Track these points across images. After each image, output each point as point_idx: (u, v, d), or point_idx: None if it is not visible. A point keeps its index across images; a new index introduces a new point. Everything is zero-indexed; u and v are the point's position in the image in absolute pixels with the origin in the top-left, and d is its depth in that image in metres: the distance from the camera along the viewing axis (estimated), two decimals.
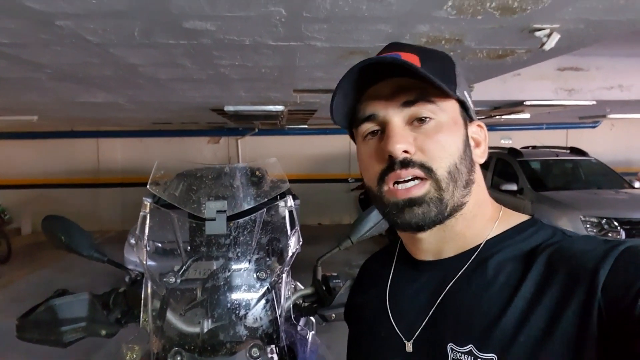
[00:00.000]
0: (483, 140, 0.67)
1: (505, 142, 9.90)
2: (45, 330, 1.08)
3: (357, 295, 0.82)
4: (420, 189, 0.59)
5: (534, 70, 4.70)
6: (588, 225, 4.88)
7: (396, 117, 0.60)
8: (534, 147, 7.76)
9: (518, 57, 2.94)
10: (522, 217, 0.66)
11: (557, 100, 5.25)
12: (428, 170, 0.59)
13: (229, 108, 5.35)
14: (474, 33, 2.40)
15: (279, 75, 3.56)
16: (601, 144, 9.95)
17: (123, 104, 5.10)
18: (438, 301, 0.63)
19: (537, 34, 2.31)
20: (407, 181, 0.59)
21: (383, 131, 0.61)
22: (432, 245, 0.65)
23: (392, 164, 0.59)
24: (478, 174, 0.65)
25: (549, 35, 2.31)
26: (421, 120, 0.60)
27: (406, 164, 0.58)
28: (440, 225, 0.61)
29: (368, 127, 0.63)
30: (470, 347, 0.56)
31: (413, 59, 0.60)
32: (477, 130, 0.67)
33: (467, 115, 0.65)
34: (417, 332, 0.63)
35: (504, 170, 6.59)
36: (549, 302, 0.53)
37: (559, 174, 6.71)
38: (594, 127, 10.31)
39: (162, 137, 9.65)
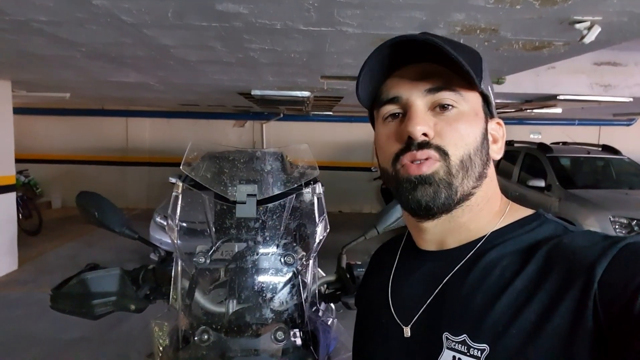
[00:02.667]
0: (501, 138, 0.68)
1: (535, 137, 9.67)
2: (77, 302, 1.11)
3: (365, 283, 0.86)
4: (430, 167, 0.60)
5: (570, 63, 4.56)
6: (617, 226, 4.74)
7: (419, 100, 0.61)
8: (564, 143, 7.54)
9: (555, 49, 2.85)
10: (527, 212, 0.65)
11: (592, 96, 5.08)
12: (443, 154, 0.60)
13: (256, 92, 5.37)
14: (511, 23, 2.34)
15: (308, 61, 3.55)
16: (635, 143, 9.61)
17: (153, 84, 5.17)
18: (436, 291, 0.64)
19: (577, 26, 2.24)
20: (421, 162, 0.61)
21: (404, 114, 0.63)
22: (436, 235, 0.66)
23: (409, 145, 0.61)
24: (491, 170, 0.66)
25: (589, 28, 2.23)
26: (443, 107, 0.61)
27: (423, 145, 0.60)
28: (446, 214, 0.63)
29: (390, 109, 0.64)
30: (464, 336, 0.57)
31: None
32: (495, 127, 0.68)
33: (488, 110, 0.66)
34: (414, 320, 0.65)
35: (532, 166, 6.42)
36: (544, 296, 0.52)
37: (590, 172, 6.51)
38: (628, 124, 9.96)
39: (189, 119, 9.78)
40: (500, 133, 0.68)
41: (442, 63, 0.60)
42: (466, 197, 0.62)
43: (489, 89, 0.65)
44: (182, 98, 7.15)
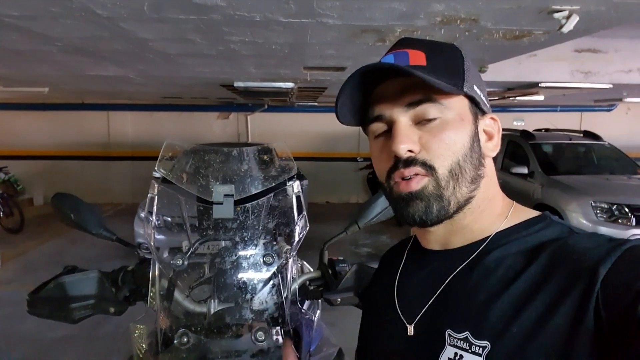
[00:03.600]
0: (496, 133, 0.68)
1: (518, 124, 9.77)
2: (55, 306, 1.10)
3: (375, 282, 0.87)
4: (418, 183, 0.61)
5: (551, 51, 4.58)
6: (598, 211, 4.83)
7: (402, 117, 0.62)
8: (546, 130, 7.65)
9: (535, 38, 2.86)
10: (533, 213, 0.66)
11: (573, 83, 5.14)
12: (429, 169, 0.61)
13: (238, 84, 5.31)
14: (490, 13, 2.34)
15: (290, 52, 3.51)
16: (616, 128, 9.78)
17: (133, 77, 5.08)
18: (440, 289, 0.64)
19: (556, 15, 2.25)
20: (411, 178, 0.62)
21: (390, 130, 0.63)
22: (439, 236, 0.67)
23: (397, 163, 0.62)
24: (489, 168, 0.66)
25: (567, 17, 2.24)
26: (427, 119, 0.61)
27: (409, 162, 0.61)
28: (447, 219, 0.63)
29: (377, 126, 0.66)
30: (466, 334, 0.57)
31: (419, 57, 0.62)
32: (490, 123, 0.67)
33: (477, 109, 0.65)
34: (418, 318, 0.65)
35: (515, 153, 6.51)
36: (546, 295, 0.53)
37: (571, 158, 6.61)
38: (609, 110, 10.11)
39: (172, 112, 9.65)
40: (495, 128, 0.67)
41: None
42: (465, 202, 0.62)
43: (475, 88, 0.64)
44: (163, 91, 7.05)
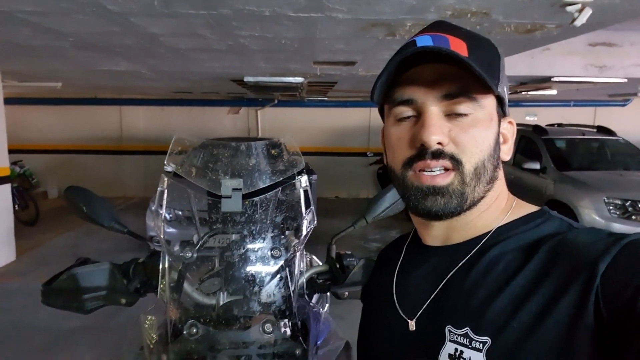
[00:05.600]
0: (511, 137, 0.67)
1: (531, 119, 9.66)
2: (68, 297, 1.12)
3: (373, 278, 0.87)
4: (445, 179, 0.60)
5: (564, 45, 4.53)
6: (611, 207, 4.76)
7: (434, 106, 0.60)
8: (559, 125, 7.54)
9: (547, 32, 2.83)
10: (532, 208, 0.66)
11: (587, 77, 5.07)
12: (457, 163, 0.59)
13: (248, 79, 5.33)
14: (502, 6, 2.31)
15: (299, 47, 3.51)
16: (631, 124, 9.62)
17: (144, 72, 5.12)
18: (441, 285, 0.64)
19: (568, 8, 2.22)
20: (434, 170, 0.60)
21: (418, 116, 0.61)
22: (442, 232, 0.67)
23: (422, 153, 0.60)
24: (501, 171, 0.66)
25: (580, 10, 2.21)
26: (459, 114, 0.60)
27: (437, 155, 0.59)
28: (456, 216, 0.63)
29: (403, 110, 0.62)
30: (466, 329, 0.57)
31: (461, 46, 0.58)
32: (507, 126, 0.67)
33: (501, 110, 0.65)
34: (419, 314, 0.65)
35: (528, 148, 6.43)
36: (546, 291, 0.53)
37: (585, 153, 6.51)
38: (624, 105, 9.95)
39: (183, 107, 9.71)
40: (510, 132, 0.67)
41: (459, 64, 0.57)
42: (477, 201, 0.62)
43: (504, 89, 0.63)
44: (174, 86, 7.10)
